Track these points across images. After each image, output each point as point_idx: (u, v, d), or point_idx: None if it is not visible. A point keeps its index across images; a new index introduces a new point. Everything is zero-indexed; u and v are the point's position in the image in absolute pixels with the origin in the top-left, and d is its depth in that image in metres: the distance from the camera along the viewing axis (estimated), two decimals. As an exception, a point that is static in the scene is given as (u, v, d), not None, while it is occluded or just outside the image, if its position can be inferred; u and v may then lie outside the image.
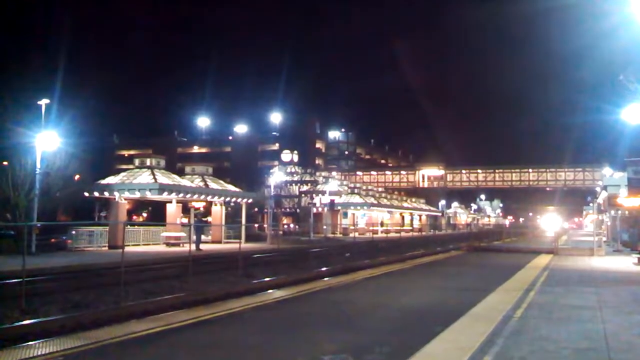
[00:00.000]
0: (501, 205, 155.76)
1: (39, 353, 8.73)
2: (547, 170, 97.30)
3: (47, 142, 29.64)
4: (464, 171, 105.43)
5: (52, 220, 40.24)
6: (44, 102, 31.28)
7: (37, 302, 13.72)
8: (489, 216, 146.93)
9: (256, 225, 58.94)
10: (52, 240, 32.46)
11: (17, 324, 11.56)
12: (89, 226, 33.52)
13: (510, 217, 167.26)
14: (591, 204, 63.95)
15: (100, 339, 9.63)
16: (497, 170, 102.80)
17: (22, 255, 14.44)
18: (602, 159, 74.13)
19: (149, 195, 34.75)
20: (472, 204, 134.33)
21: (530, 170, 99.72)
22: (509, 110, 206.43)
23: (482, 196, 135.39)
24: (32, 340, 9.75)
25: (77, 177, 37.63)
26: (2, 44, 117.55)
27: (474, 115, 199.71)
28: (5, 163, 33.68)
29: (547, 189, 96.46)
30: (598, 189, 61.93)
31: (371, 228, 68.57)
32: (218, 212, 41.69)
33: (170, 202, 36.76)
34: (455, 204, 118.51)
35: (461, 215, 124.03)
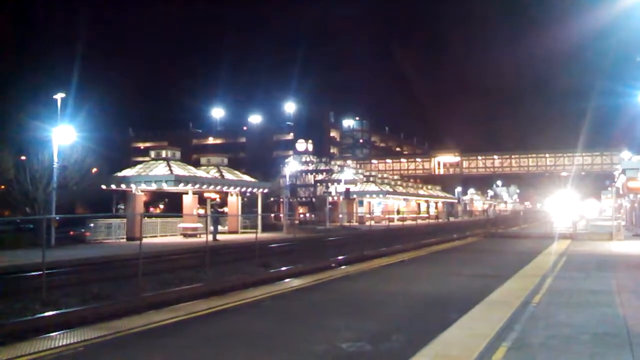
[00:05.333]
0: (518, 191, 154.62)
1: (61, 344, 8.86)
2: (564, 154, 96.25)
3: (64, 136, 29.89)
4: (479, 157, 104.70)
5: (70, 213, 40.75)
6: (59, 96, 31.50)
7: (58, 294, 13.88)
8: (505, 202, 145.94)
9: (272, 215, 59.09)
10: (71, 232, 32.80)
11: (38, 315, 11.71)
12: (106, 218, 33.80)
13: (527, 203, 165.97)
14: (609, 188, 63.28)
15: (120, 330, 9.75)
16: (513, 156, 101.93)
17: (41, 248, 14.61)
18: (620, 143, 73.28)
19: (165, 187, 34.94)
20: (488, 191, 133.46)
21: (547, 155, 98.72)
22: (525, 95, 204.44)
23: (499, 182, 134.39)
24: (53, 332, 9.89)
25: (94, 170, 37.96)
26: (18, 40, 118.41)
27: (490, 101, 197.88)
28: (23, 157, 34.07)
29: (563, 174, 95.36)
30: (616, 173, 61.23)
31: (387, 216, 68.46)
32: (234, 203, 41.82)
33: (187, 193, 36.92)
34: (471, 191, 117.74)
35: (477, 202, 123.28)
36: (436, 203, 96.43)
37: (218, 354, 8.58)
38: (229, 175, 41.88)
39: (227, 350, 8.75)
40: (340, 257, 23.37)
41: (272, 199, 67.97)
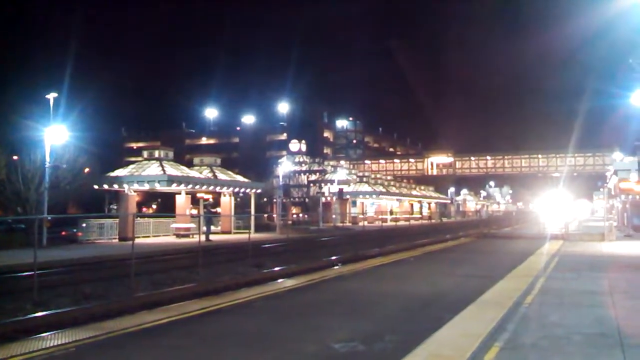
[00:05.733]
0: (511, 191, 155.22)
1: (52, 344, 8.82)
2: (557, 155, 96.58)
3: (56, 135, 29.77)
4: (472, 158, 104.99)
5: (62, 213, 40.60)
6: (52, 96, 31.37)
7: (49, 295, 13.82)
8: (498, 203, 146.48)
9: (265, 215, 59.10)
10: (63, 233, 32.67)
11: (29, 316, 11.65)
12: (99, 218, 33.70)
13: (520, 204, 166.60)
14: (602, 189, 63.59)
15: (112, 330, 9.71)
16: (506, 157, 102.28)
17: (33, 248, 14.54)
18: (612, 144, 73.67)
19: (158, 187, 34.86)
20: (481, 191, 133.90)
21: (540, 156, 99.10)
22: (518, 96, 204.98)
23: (492, 183, 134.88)
24: (44, 332, 9.83)
25: (86, 170, 37.83)
26: (10, 39, 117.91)
27: (483, 102, 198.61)
28: (15, 157, 33.88)
29: (555, 174, 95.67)
30: (608, 174, 61.50)
31: (380, 216, 68.56)
32: (227, 203, 41.77)
33: (180, 193, 36.86)
34: (464, 191, 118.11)
35: (470, 203, 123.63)
36: (429, 203, 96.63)
37: (211, 354, 8.56)
38: (222, 175, 41.82)
39: (220, 350, 8.73)
40: (333, 258, 23.37)
41: (265, 199, 67.98)
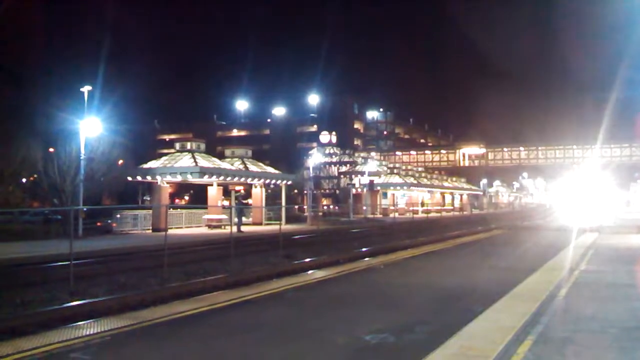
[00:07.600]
0: (544, 183, 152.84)
1: (88, 333, 9.00)
2: (592, 146, 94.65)
3: (91, 128, 30.26)
4: (505, 149, 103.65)
5: (97, 204, 41.34)
6: (86, 88, 31.88)
7: (85, 284, 14.09)
8: (532, 195, 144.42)
9: (296, 206, 59.22)
10: (98, 223, 33.24)
11: (65, 305, 11.88)
12: (133, 210, 34.15)
13: (554, 195, 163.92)
14: (639, 180, 62.27)
15: (146, 319, 9.87)
16: (539, 148, 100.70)
17: (69, 239, 14.82)
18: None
19: (190, 179, 35.18)
20: (514, 183, 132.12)
21: (574, 147, 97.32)
22: (549, 86, 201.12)
23: (525, 174, 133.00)
24: (80, 321, 10.04)
25: (120, 161, 38.40)
26: (46, 33, 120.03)
27: (516, 92, 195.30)
28: (51, 149, 34.57)
29: (589, 165, 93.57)
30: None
31: (411, 208, 68.16)
32: (258, 194, 41.99)
33: (211, 185, 37.16)
34: (497, 183, 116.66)
35: (503, 194, 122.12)
36: (461, 195, 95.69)
37: (242, 344, 8.64)
38: (253, 167, 42.01)
39: (250, 340, 8.80)
40: (363, 249, 23.34)
41: (295, 190, 68.11)
